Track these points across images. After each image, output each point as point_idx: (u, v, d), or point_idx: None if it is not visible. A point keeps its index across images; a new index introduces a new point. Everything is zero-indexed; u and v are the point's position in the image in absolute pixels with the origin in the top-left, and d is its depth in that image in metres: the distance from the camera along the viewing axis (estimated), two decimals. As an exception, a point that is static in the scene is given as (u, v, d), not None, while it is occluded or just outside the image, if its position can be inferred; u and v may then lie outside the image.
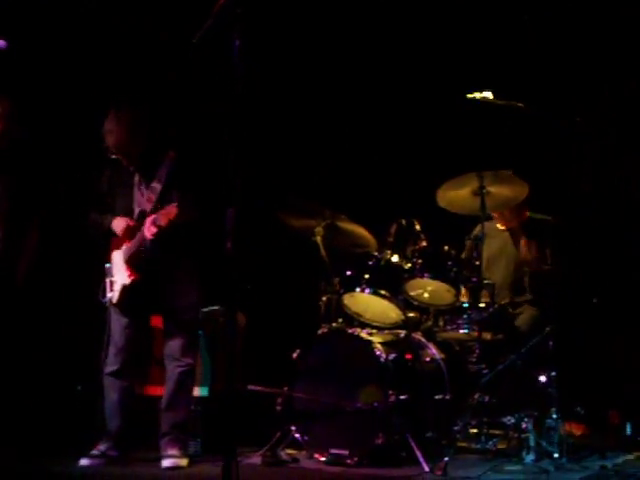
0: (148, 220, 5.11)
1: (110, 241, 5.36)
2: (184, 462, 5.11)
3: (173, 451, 5.15)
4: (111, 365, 5.26)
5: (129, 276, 5.21)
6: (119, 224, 5.29)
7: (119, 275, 5.26)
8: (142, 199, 5.29)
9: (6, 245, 5.42)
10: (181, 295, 5.27)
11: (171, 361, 5.25)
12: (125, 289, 5.22)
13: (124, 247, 5.27)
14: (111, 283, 5.31)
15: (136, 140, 5.30)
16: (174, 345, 5.25)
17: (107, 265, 5.33)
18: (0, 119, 5.44)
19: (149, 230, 5.09)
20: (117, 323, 5.30)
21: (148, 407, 5.55)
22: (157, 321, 5.65)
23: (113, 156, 5.32)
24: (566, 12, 6.45)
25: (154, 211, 5.14)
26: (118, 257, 5.29)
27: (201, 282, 5.36)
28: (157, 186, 5.24)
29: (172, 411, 5.23)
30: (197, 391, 5.69)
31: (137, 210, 5.30)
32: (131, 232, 5.24)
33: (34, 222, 5.57)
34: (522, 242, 5.81)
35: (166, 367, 5.28)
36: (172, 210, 4.98)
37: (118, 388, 5.26)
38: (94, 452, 5.18)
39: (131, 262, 5.22)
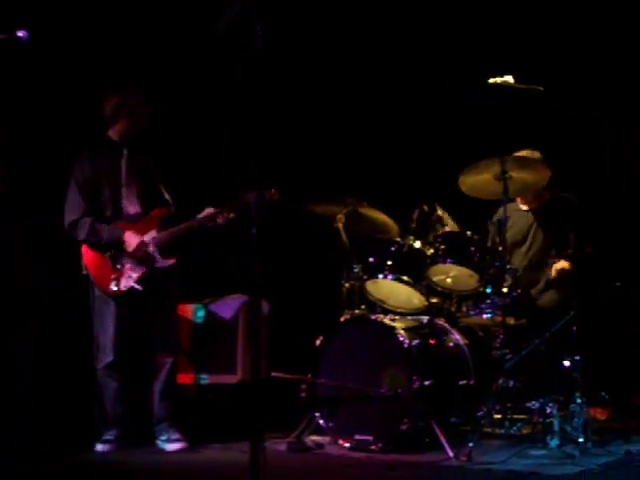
0: (215, 210, 5.20)
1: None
2: (186, 445, 5.22)
3: (176, 435, 5.24)
4: (106, 358, 5.26)
5: (166, 259, 5.25)
6: (132, 240, 5.24)
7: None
8: (140, 182, 5.31)
9: None
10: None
11: (162, 351, 5.31)
12: (151, 274, 5.22)
13: (152, 233, 5.25)
14: (127, 269, 5.24)
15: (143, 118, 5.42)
16: (168, 336, 5.34)
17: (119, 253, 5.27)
18: None
19: (222, 217, 5.20)
20: (112, 314, 5.25)
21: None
22: (183, 310, 5.68)
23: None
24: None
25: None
26: (135, 241, 5.23)
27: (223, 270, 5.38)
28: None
29: (167, 399, 5.31)
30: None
31: (125, 188, 5.30)
32: (163, 219, 5.27)
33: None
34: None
35: (157, 358, 5.32)
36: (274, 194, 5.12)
37: (117, 378, 5.28)
38: (107, 437, 5.22)
39: (167, 247, 5.26)
